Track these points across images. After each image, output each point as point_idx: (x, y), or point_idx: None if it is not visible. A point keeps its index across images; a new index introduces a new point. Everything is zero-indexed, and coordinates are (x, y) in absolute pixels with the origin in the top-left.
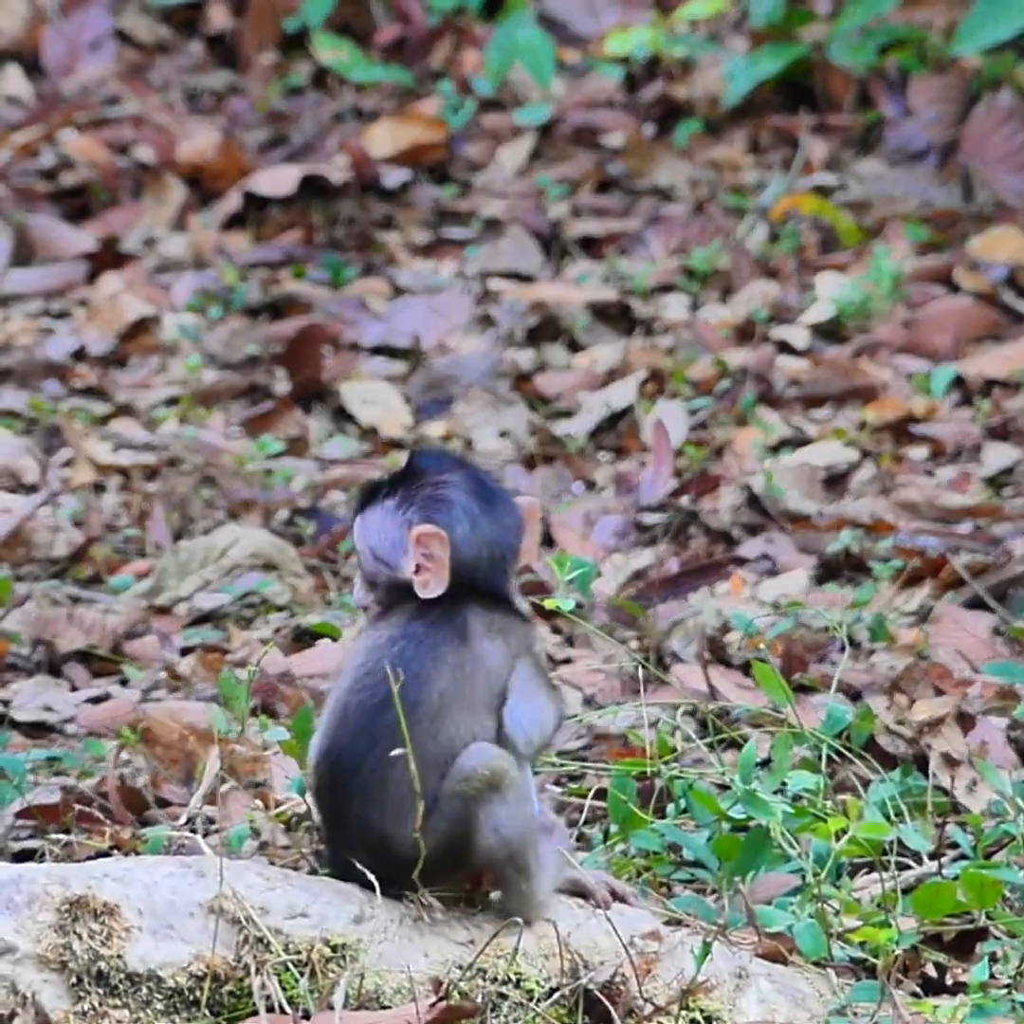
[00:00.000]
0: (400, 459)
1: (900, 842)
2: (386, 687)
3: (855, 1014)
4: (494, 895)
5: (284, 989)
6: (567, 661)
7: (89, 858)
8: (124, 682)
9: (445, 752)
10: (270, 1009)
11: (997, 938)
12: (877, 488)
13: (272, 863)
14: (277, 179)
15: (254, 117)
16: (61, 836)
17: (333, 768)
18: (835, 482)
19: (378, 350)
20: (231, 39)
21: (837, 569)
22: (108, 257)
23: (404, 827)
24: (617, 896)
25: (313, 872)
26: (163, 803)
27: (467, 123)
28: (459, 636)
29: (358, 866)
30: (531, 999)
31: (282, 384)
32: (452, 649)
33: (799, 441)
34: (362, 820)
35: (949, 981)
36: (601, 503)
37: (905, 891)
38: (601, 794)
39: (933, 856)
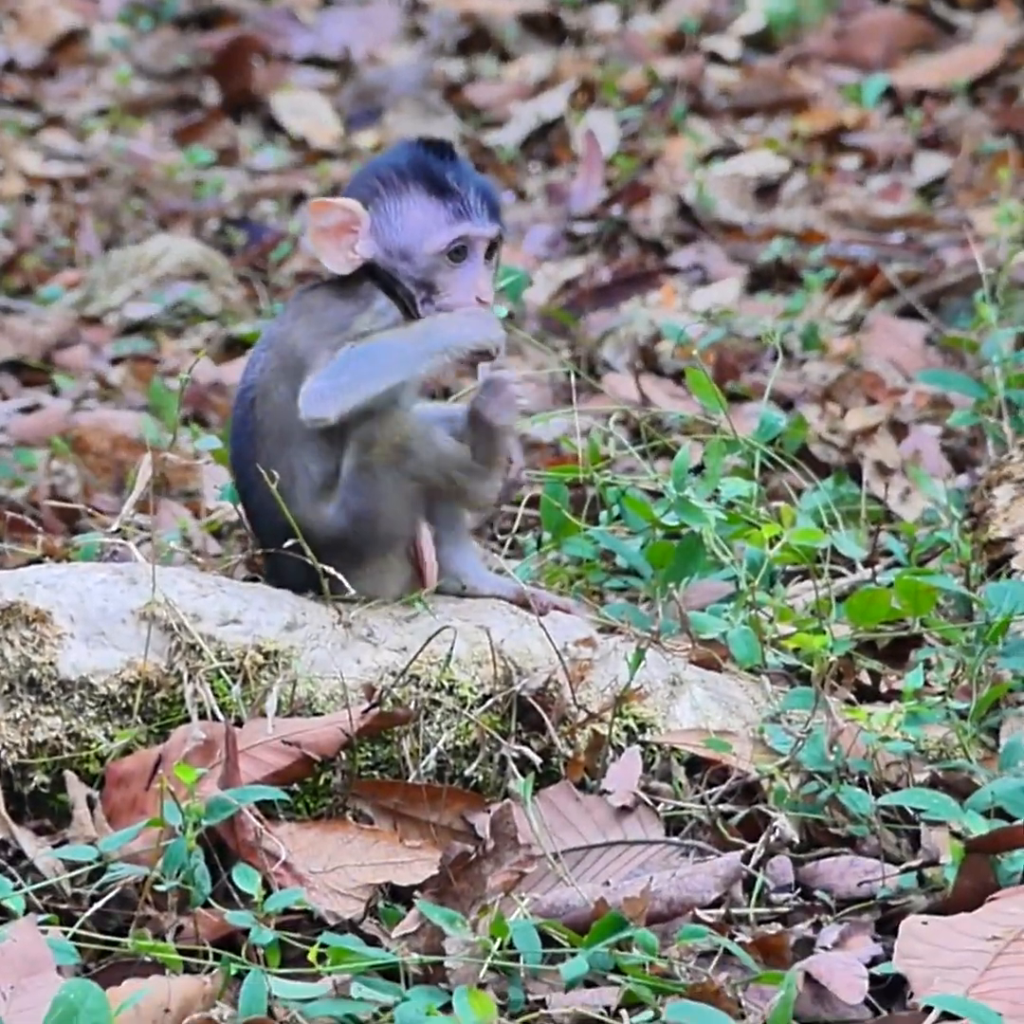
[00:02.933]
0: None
1: (834, 550)
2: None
3: (789, 721)
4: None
5: (216, 696)
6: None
7: (20, 566)
8: (55, 392)
9: (283, 426)
10: (202, 716)
11: (931, 645)
12: (808, 198)
13: (203, 571)
14: None
15: None
16: None
17: (233, 468)
18: (766, 192)
19: (308, 61)
20: None
21: (769, 278)
22: None
23: (295, 509)
24: (558, 608)
25: (253, 580)
26: (95, 512)
27: None
28: (279, 317)
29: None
30: (464, 706)
31: (212, 95)
32: (271, 329)
33: (730, 151)
34: (261, 512)
35: (883, 688)
36: (532, 213)
37: (839, 598)
38: (534, 502)
39: (867, 563)
